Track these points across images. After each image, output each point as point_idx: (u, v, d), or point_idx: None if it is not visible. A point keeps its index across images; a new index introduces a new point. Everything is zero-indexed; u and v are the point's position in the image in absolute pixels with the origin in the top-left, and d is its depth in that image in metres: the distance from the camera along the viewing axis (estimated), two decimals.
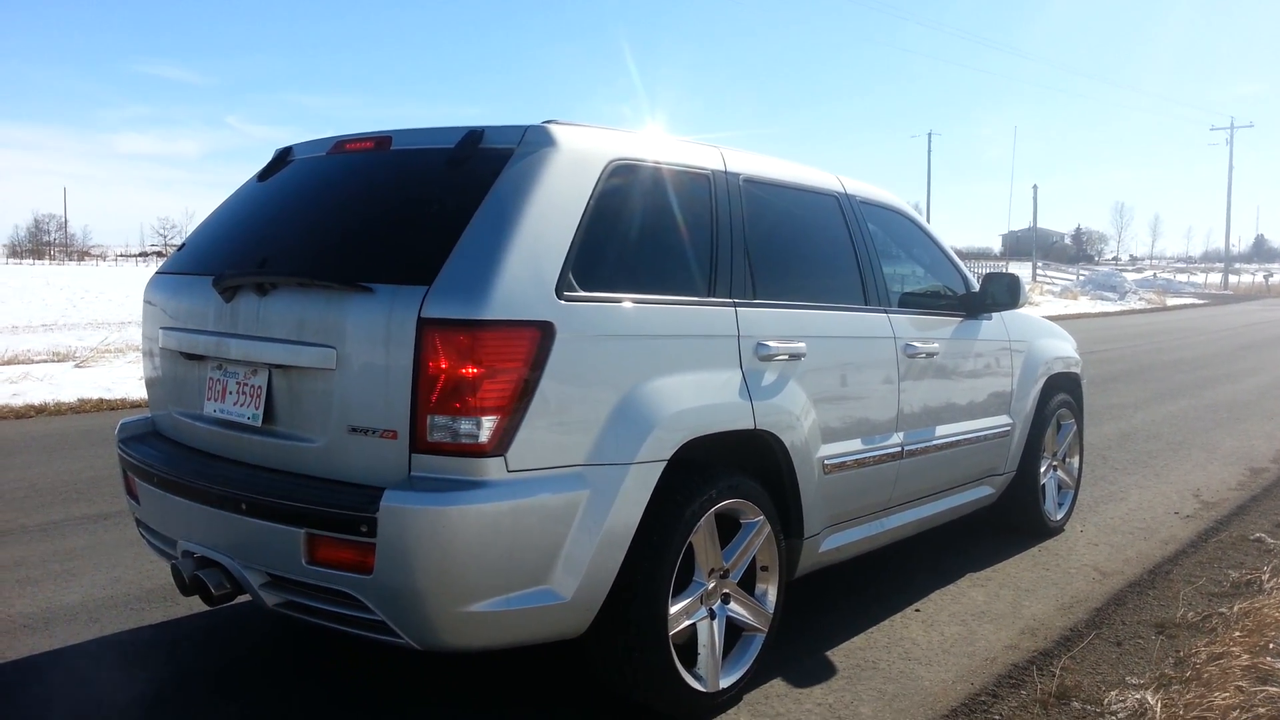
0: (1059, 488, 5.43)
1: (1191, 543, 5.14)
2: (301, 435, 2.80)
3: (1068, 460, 5.51)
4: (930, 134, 63.32)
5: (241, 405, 2.95)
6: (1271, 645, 3.51)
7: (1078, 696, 3.28)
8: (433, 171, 2.96)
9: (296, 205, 3.30)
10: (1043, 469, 5.21)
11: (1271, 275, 60.47)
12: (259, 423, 2.89)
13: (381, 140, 3.17)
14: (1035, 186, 51.53)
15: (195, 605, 3.88)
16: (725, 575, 3.18)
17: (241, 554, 2.81)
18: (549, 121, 2.98)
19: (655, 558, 2.86)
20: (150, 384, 3.49)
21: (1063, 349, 5.41)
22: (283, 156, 3.53)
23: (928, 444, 4.20)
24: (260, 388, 2.89)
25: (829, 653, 3.64)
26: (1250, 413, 9.56)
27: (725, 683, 3.14)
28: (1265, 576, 4.43)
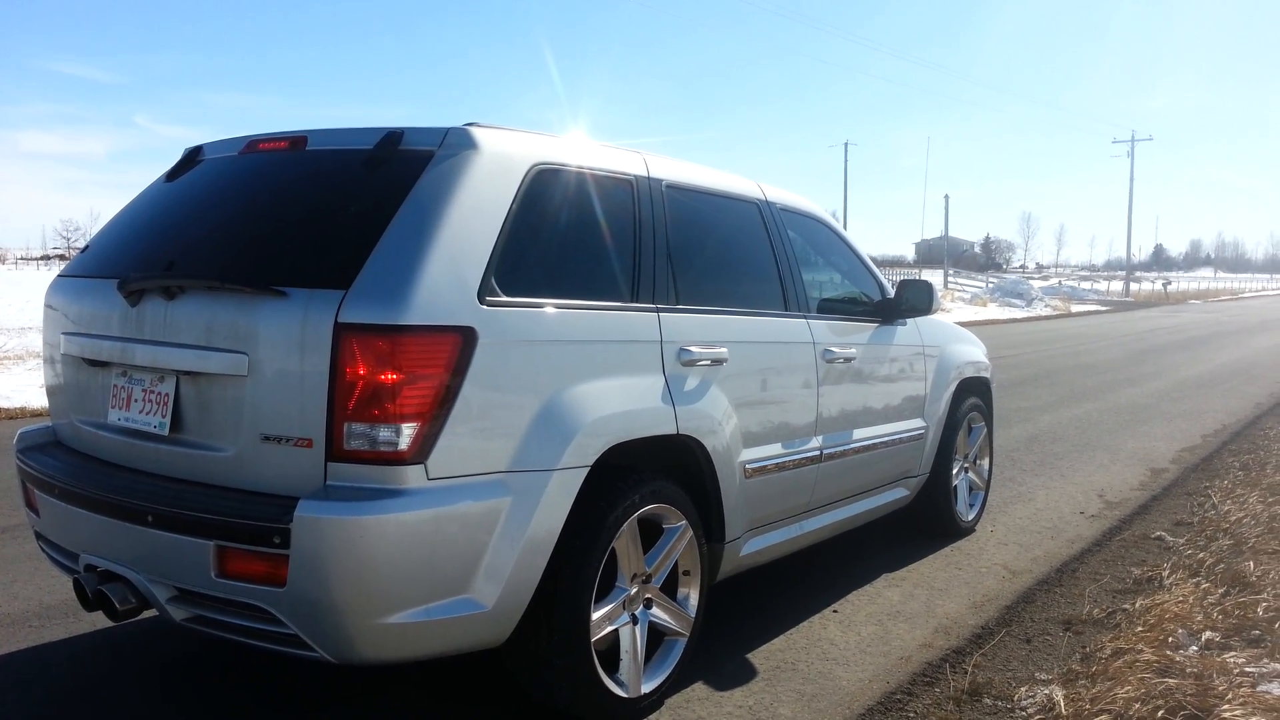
0: (970, 489, 5.57)
1: (1096, 541, 5.33)
2: (211, 444, 2.71)
3: (978, 462, 5.66)
4: (847, 144, 64.49)
5: (148, 413, 2.85)
6: (1171, 639, 3.65)
7: (989, 693, 3.36)
8: (350, 173, 2.90)
9: (206, 206, 3.20)
10: (955, 471, 5.34)
11: (1170, 283, 62.91)
12: (166, 431, 2.79)
13: (296, 140, 3.10)
14: (947, 196, 52.92)
15: (99, 621, 3.73)
16: (647, 580, 3.18)
17: (148, 567, 2.71)
18: (471, 124, 2.94)
19: (578, 564, 2.85)
20: (51, 391, 3.35)
21: (973, 354, 5.55)
22: (192, 156, 3.42)
23: (845, 447, 4.27)
24: (167, 395, 2.80)
25: (749, 655, 3.67)
26: (1151, 415, 9.94)
27: (648, 687, 3.14)
28: (1165, 573, 4.61)
